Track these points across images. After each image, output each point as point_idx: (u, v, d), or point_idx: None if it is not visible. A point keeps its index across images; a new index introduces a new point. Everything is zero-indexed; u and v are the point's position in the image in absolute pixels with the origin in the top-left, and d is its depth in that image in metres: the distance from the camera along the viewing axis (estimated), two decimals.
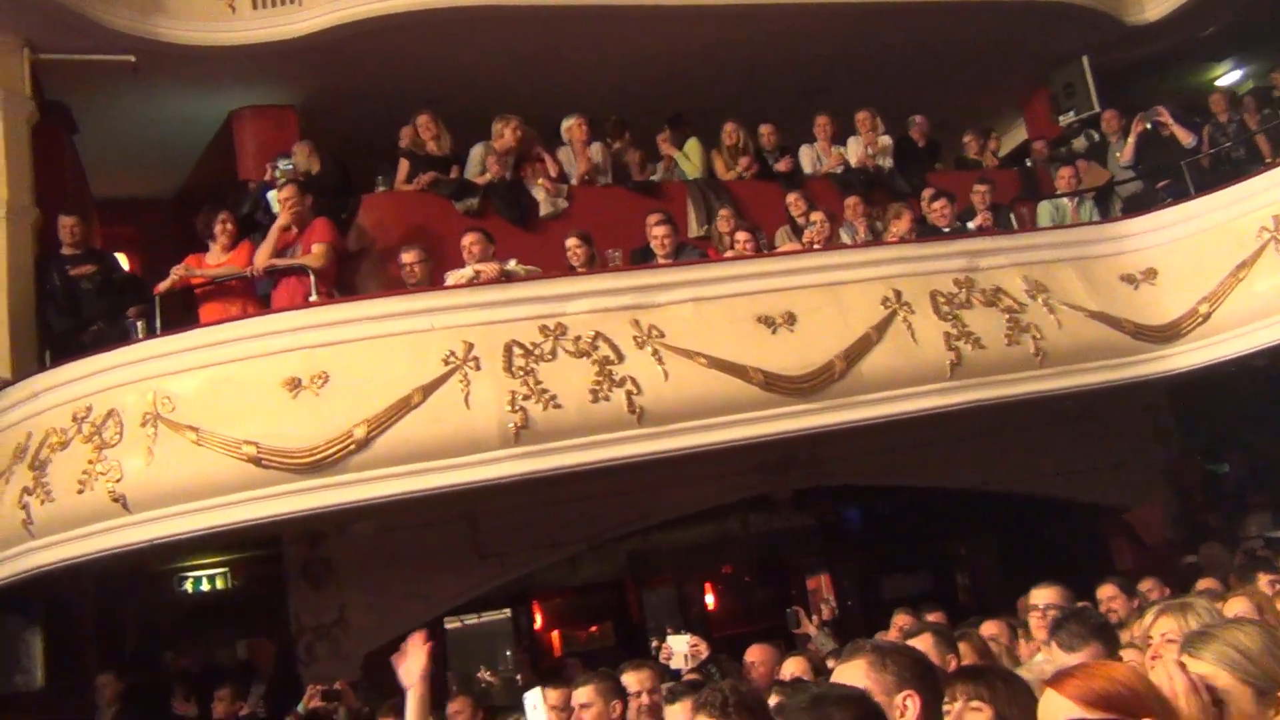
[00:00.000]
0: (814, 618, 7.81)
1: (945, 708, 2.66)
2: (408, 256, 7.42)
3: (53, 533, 6.42)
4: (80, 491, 6.30)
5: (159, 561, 7.96)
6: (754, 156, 9.58)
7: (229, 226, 7.73)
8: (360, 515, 7.20)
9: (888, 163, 9.90)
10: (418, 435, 6.40)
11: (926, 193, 9.02)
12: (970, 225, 8.87)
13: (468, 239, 7.53)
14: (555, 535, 8.61)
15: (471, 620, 9.69)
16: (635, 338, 6.95)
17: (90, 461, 6.30)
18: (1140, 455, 10.18)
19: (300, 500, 6.31)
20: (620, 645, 9.44)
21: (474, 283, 7.24)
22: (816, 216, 8.41)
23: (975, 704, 2.67)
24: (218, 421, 6.29)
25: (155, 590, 8.44)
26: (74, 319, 7.42)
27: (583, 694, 4.34)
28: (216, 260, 7.67)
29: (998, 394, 7.74)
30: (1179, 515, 10.27)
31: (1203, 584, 5.93)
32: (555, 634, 10.18)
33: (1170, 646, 2.36)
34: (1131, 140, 10.01)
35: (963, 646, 4.19)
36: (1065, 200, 9.46)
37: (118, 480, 6.24)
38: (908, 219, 8.56)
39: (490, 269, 7.36)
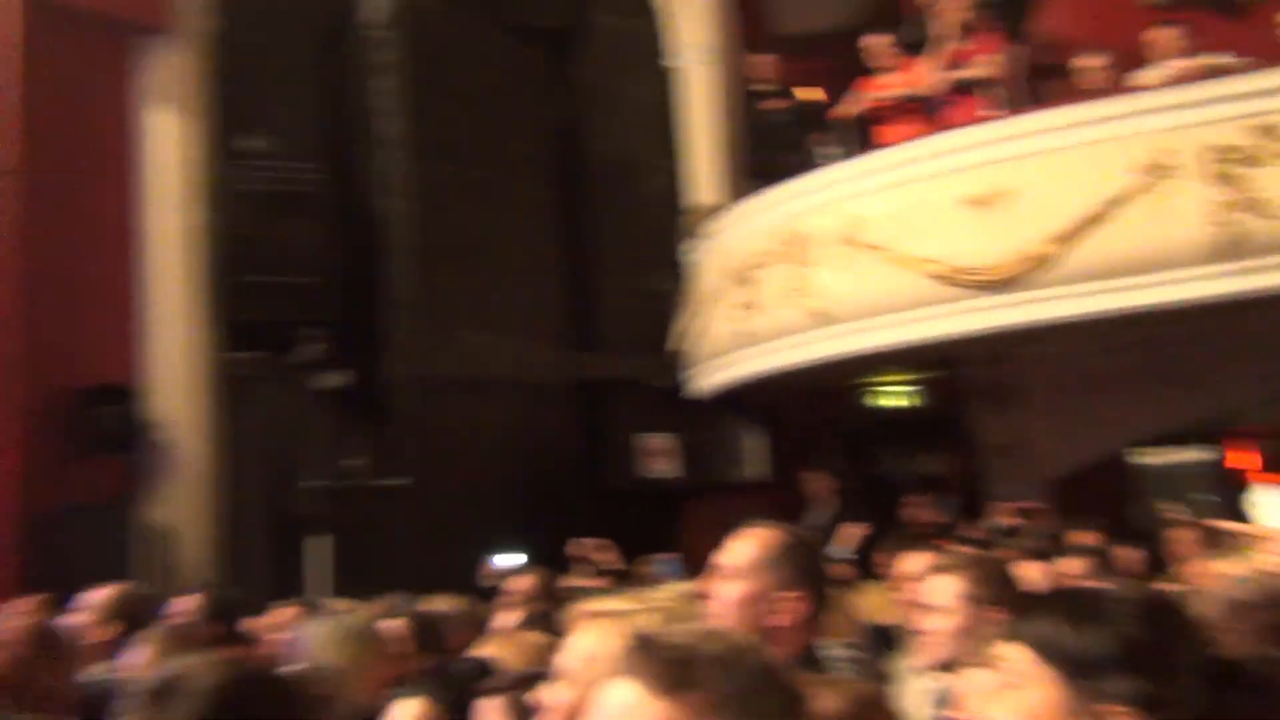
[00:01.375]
0: None
1: None
2: (1088, 63, 7.07)
3: (762, 342, 7.25)
4: (784, 307, 7.01)
5: (849, 376, 8.58)
6: None
7: (894, 50, 7.87)
8: (1042, 337, 7.08)
9: None
10: (1108, 251, 6.08)
11: None
12: None
13: (1159, 35, 6.99)
14: (1263, 368, 7.72)
15: (1160, 457, 9.15)
16: None
17: (791, 279, 6.95)
18: None
19: (985, 318, 6.39)
20: None
21: (1167, 84, 6.61)
22: None
23: None
24: (903, 240, 6.54)
25: (846, 403, 9.13)
26: (769, 150, 8.13)
27: None
28: (888, 83, 7.86)
29: None
30: None
31: None
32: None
33: None
34: None
35: None
36: None
37: (816, 296, 6.81)
38: None
39: (1187, 67, 6.66)
